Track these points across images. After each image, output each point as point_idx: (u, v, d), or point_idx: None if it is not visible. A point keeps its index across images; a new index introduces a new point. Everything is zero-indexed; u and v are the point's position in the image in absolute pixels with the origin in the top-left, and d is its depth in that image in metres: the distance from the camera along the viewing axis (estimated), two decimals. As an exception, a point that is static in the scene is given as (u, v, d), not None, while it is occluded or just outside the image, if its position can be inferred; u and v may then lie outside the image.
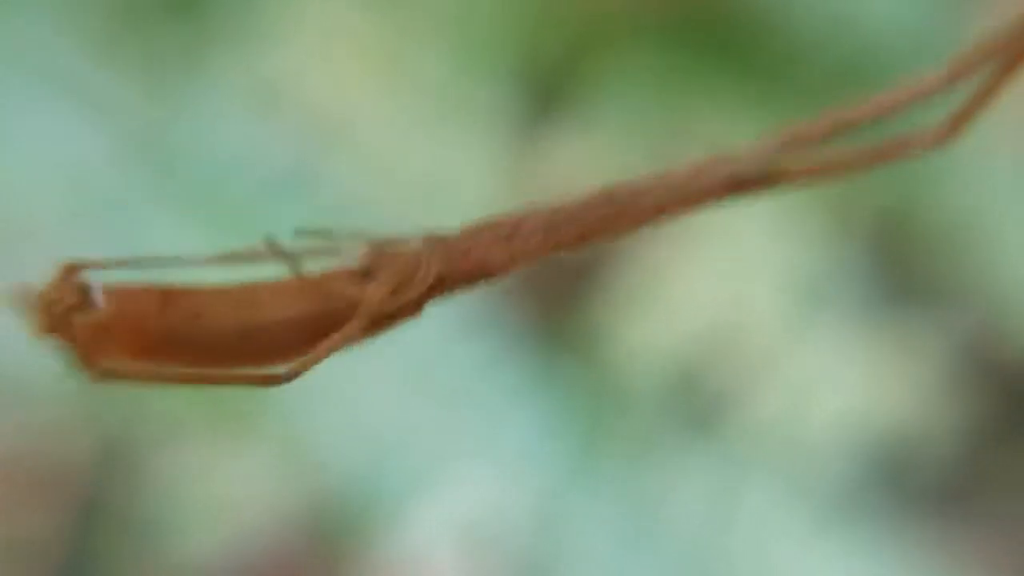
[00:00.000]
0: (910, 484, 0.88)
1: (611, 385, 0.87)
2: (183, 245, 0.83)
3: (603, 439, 0.87)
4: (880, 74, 0.88)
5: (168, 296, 0.27)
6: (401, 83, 0.87)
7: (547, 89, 0.89)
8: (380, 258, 0.28)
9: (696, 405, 0.88)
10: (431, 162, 0.87)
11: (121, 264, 0.27)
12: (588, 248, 0.29)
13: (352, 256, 0.28)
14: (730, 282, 0.89)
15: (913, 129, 0.29)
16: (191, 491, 0.85)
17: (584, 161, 0.88)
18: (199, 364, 0.27)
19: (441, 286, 0.28)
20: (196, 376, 0.27)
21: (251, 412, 0.84)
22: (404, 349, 0.82)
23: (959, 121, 0.30)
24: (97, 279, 0.27)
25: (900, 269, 0.91)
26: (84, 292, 0.26)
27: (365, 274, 0.28)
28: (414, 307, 0.28)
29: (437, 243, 0.28)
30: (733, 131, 0.88)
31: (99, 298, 0.26)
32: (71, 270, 0.26)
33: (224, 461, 0.85)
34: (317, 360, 0.27)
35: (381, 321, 0.28)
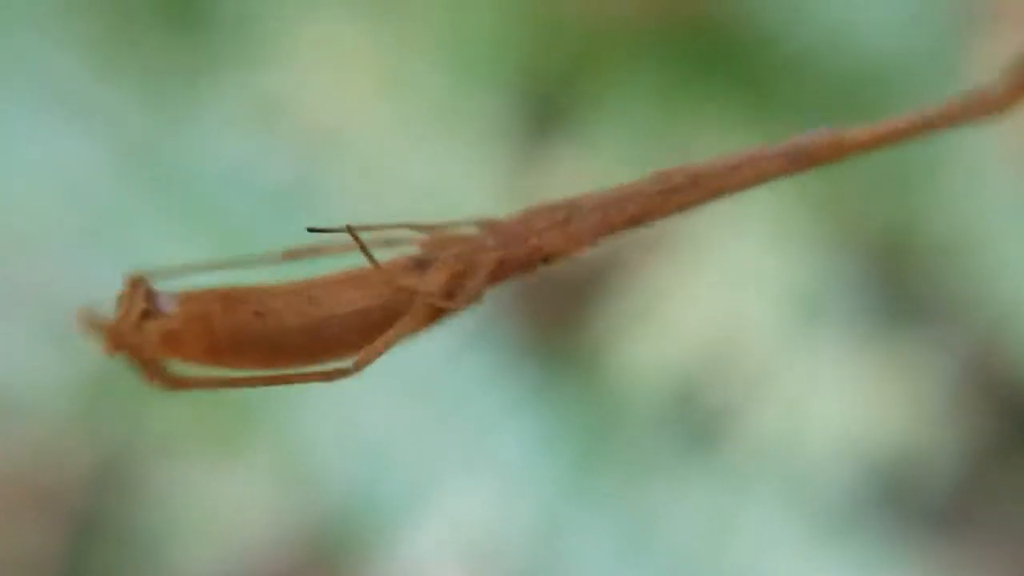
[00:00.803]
0: (908, 500, 0.88)
1: (609, 400, 0.87)
2: (182, 259, 0.83)
3: (601, 454, 0.87)
4: (878, 89, 0.88)
5: (231, 297, 0.27)
6: (400, 99, 0.87)
7: (546, 105, 0.89)
8: (437, 247, 0.28)
9: (694, 421, 0.88)
10: (430, 177, 0.87)
11: (183, 270, 0.28)
12: (638, 230, 0.29)
13: (409, 246, 0.28)
14: (728, 298, 0.89)
15: (974, 93, 0.29)
16: (188, 506, 0.84)
17: (583, 176, 0.88)
18: (265, 361, 0.27)
19: (499, 272, 0.28)
20: (264, 379, 0.28)
21: (248, 427, 0.84)
22: (403, 364, 0.82)
23: (1018, 86, 0.30)
24: (161, 286, 0.27)
25: (899, 285, 0.91)
26: (152, 300, 0.27)
27: (422, 263, 0.28)
28: (473, 293, 0.28)
29: (493, 229, 0.28)
30: (732, 146, 0.88)
31: (165, 305, 0.27)
32: (138, 281, 0.27)
33: (221, 476, 0.85)
34: (382, 350, 0.27)
35: (441, 309, 0.28)
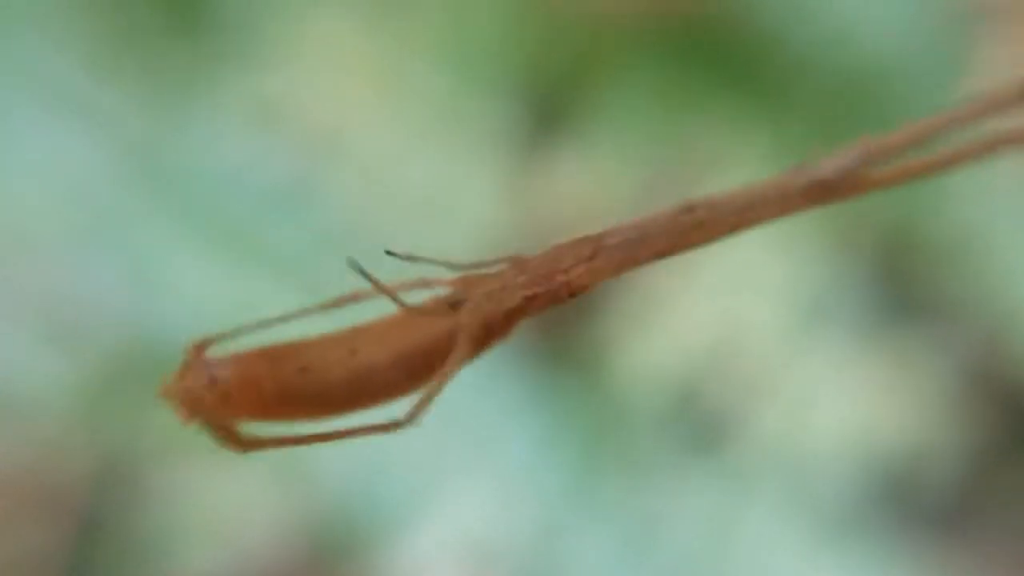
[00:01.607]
0: (912, 500, 0.88)
1: (611, 402, 0.87)
2: (183, 260, 0.83)
3: (603, 456, 0.87)
4: (879, 90, 0.88)
5: (276, 355, 0.28)
6: (401, 100, 0.87)
7: (548, 106, 0.89)
8: (468, 286, 0.28)
9: (696, 422, 0.88)
10: (432, 179, 0.87)
11: (236, 333, 0.29)
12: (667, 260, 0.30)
13: (440, 286, 0.29)
14: (731, 300, 0.89)
15: (997, 130, 0.29)
16: (190, 508, 0.84)
17: (585, 177, 0.88)
18: (314, 413, 0.28)
19: (529, 307, 0.29)
20: (326, 435, 0.29)
21: (250, 428, 0.84)
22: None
23: None
24: (215, 350, 0.28)
25: (902, 286, 0.90)
26: (210, 370, 0.28)
27: (455, 303, 0.29)
28: (505, 329, 0.29)
29: (522, 266, 0.29)
30: (734, 147, 0.88)
31: (218, 369, 0.28)
32: (198, 350, 0.28)
33: (223, 478, 0.85)
34: (432, 397, 0.28)
35: (478, 347, 0.29)
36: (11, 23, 0.84)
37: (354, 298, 0.29)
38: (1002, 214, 0.89)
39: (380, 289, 0.28)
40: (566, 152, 0.89)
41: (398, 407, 0.30)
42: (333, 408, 0.28)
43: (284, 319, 0.29)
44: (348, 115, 0.86)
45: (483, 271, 0.29)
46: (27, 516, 0.86)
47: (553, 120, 0.89)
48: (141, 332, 0.83)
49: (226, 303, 0.81)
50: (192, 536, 0.84)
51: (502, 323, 0.29)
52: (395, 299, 0.28)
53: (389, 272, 0.29)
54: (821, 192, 0.30)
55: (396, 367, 0.28)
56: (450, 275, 0.29)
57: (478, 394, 0.85)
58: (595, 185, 0.88)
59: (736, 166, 0.88)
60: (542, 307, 0.29)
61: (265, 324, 0.29)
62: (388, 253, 0.30)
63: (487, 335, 0.29)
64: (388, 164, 0.87)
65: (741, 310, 0.89)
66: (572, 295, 0.29)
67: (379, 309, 0.29)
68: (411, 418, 0.28)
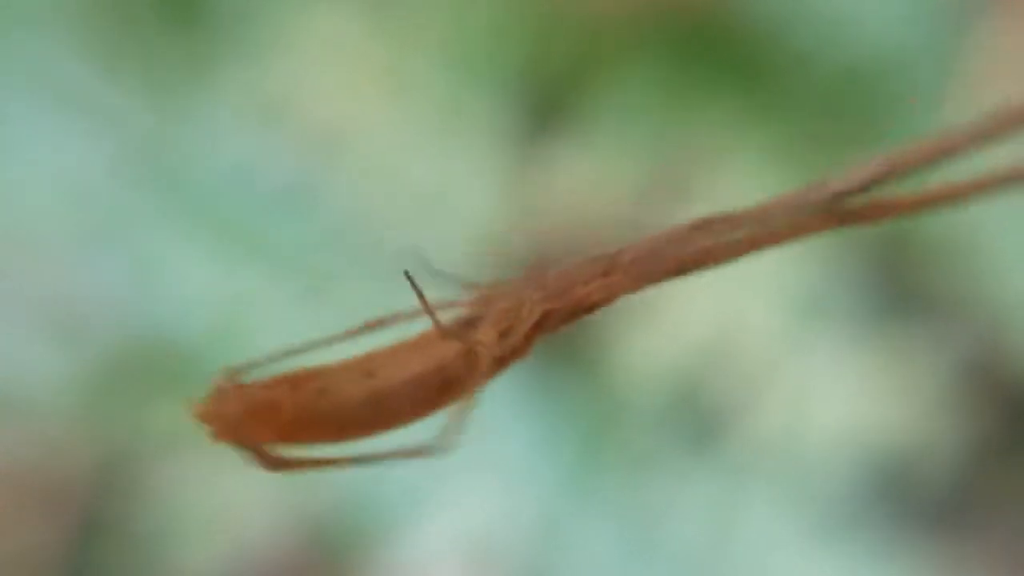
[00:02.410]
0: (909, 498, 0.88)
1: (611, 398, 0.87)
2: (185, 258, 0.83)
3: (603, 452, 0.87)
4: (877, 86, 0.88)
5: (296, 381, 0.28)
6: (402, 96, 0.87)
7: (548, 102, 0.90)
8: (485, 304, 0.29)
9: (695, 419, 0.88)
10: (433, 175, 0.87)
11: (268, 360, 0.29)
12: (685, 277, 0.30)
13: (456, 305, 0.29)
14: (729, 296, 0.89)
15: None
16: (191, 504, 0.84)
17: (585, 174, 0.88)
18: (332, 436, 0.28)
19: (546, 324, 0.29)
20: (356, 458, 0.29)
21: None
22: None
23: None
24: (246, 376, 0.28)
25: (899, 282, 0.91)
26: (236, 395, 0.28)
27: (471, 321, 0.29)
28: (523, 347, 0.29)
29: (538, 283, 0.29)
30: (732, 143, 0.88)
31: (245, 396, 0.28)
32: (230, 375, 0.28)
33: (223, 475, 0.85)
34: (461, 421, 0.28)
35: (495, 364, 0.29)
36: (11, 22, 0.84)
37: (381, 323, 0.29)
38: (999, 210, 0.90)
39: (424, 307, 0.28)
40: (566, 149, 0.89)
41: (421, 429, 0.30)
42: (352, 431, 0.28)
43: (314, 345, 0.29)
44: (349, 112, 0.86)
45: (499, 288, 0.29)
46: (28, 513, 0.86)
47: (553, 116, 0.89)
48: (142, 329, 0.83)
49: (227, 300, 0.81)
50: (193, 533, 0.84)
51: (520, 340, 0.29)
52: (434, 317, 0.28)
53: (407, 264, 0.29)
54: (842, 216, 0.30)
55: (413, 389, 0.28)
56: (466, 293, 0.29)
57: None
58: (595, 181, 0.88)
59: (735, 162, 0.89)
60: (560, 323, 0.29)
61: (296, 350, 0.29)
62: (406, 275, 0.29)
63: (506, 353, 0.29)
64: (389, 161, 0.86)
65: (739, 306, 0.89)
66: (589, 311, 0.29)
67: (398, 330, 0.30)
68: (442, 446, 0.29)
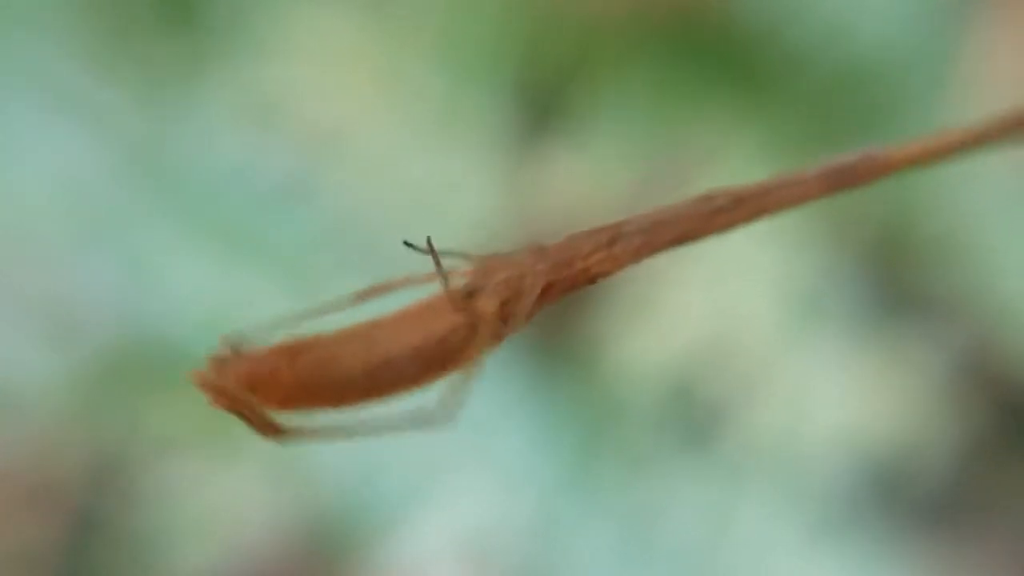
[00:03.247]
0: (905, 496, 0.88)
1: (607, 397, 0.87)
2: (180, 257, 0.83)
3: (599, 451, 0.87)
4: (873, 85, 0.88)
5: (296, 350, 0.28)
6: (398, 96, 0.87)
7: (544, 102, 0.89)
8: (485, 274, 0.28)
9: (692, 417, 0.88)
10: (428, 175, 0.87)
11: (268, 329, 0.29)
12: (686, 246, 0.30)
13: (459, 276, 0.29)
14: (726, 295, 0.89)
15: (1013, 110, 0.29)
16: (185, 505, 0.84)
17: (581, 173, 0.88)
18: (335, 403, 0.28)
19: (547, 294, 0.29)
20: (359, 428, 0.29)
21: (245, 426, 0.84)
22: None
23: None
24: (242, 346, 0.28)
25: (895, 282, 0.91)
26: (236, 363, 0.28)
27: (472, 292, 0.28)
28: (524, 317, 0.29)
29: (539, 254, 0.29)
30: (728, 142, 0.88)
31: (244, 365, 0.28)
32: (230, 345, 0.28)
33: (218, 475, 0.85)
34: (461, 390, 0.28)
35: (496, 334, 0.28)
36: (8, 23, 0.83)
37: (385, 289, 0.29)
38: (995, 209, 0.90)
39: (435, 272, 0.28)
40: (562, 148, 0.89)
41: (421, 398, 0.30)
42: (351, 399, 0.28)
43: (314, 314, 0.29)
44: (346, 112, 0.86)
45: (501, 259, 0.29)
46: (22, 512, 0.86)
47: (549, 116, 0.89)
48: (137, 329, 0.83)
49: (223, 300, 0.81)
50: (188, 532, 0.84)
51: (520, 311, 0.29)
52: (445, 280, 0.28)
53: (402, 264, 0.29)
54: (839, 177, 0.30)
55: (413, 359, 0.28)
56: (467, 265, 0.29)
57: (475, 390, 0.85)
58: (591, 181, 0.88)
59: (731, 161, 0.89)
60: (561, 294, 0.29)
61: (294, 319, 0.29)
62: (407, 244, 0.29)
63: (505, 323, 0.29)
64: (385, 161, 0.86)
65: (736, 305, 0.89)
66: (591, 281, 0.29)
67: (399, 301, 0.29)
68: (446, 413, 0.28)
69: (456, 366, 0.28)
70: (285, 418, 0.28)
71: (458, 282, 0.29)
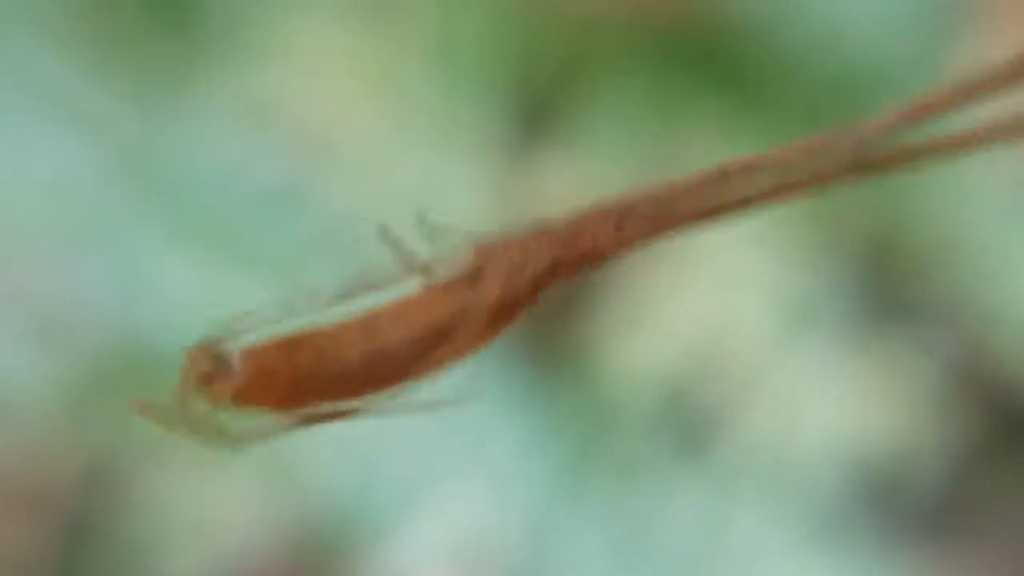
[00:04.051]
0: (899, 503, 0.88)
1: (600, 403, 0.87)
2: (172, 261, 0.82)
3: (592, 457, 0.87)
4: (869, 91, 0.88)
5: (292, 344, 0.27)
6: (391, 101, 0.87)
7: (538, 107, 0.89)
8: (487, 256, 0.28)
9: (685, 424, 0.88)
10: (421, 180, 0.87)
11: (255, 321, 0.28)
12: (700, 228, 0.28)
13: (461, 260, 0.28)
14: (719, 301, 0.89)
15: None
16: (178, 511, 0.84)
17: (575, 179, 0.88)
18: (330, 396, 0.27)
19: (553, 276, 0.28)
20: (362, 411, 0.28)
21: (237, 430, 0.84)
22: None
23: None
24: (228, 346, 0.27)
25: (888, 288, 0.91)
26: (219, 362, 0.27)
27: (474, 275, 0.28)
28: (528, 298, 0.28)
29: (544, 233, 0.28)
30: (724, 149, 0.88)
31: (231, 364, 0.27)
32: (204, 347, 0.27)
33: (211, 480, 0.84)
34: (440, 367, 0.27)
35: (499, 319, 0.28)
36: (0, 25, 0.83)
37: (373, 284, 0.28)
38: (988, 216, 0.90)
39: (405, 262, 0.28)
40: (556, 154, 0.89)
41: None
42: (351, 391, 0.28)
43: (301, 309, 0.28)
44: (339, 117, 0.86)
45: (504, 240, 0.28)
46: (12, 517, 0.85)
47: (543, 121, 0.89)
48: (129, 333, 0.82)
49: (215, 305, 0.81)
50: (180, 537, 0.84)
51: (524, 293, 0.28)
52: (420, 271, 0.27)
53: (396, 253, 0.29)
54: (864, 164, 0.28)
55: (414, 347, 0.27)
56: (468, 248, 0.28)
57: (469, 392, 0.85)
58: (586, 186, 0.88)
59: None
60: (567, 275, 0.28)
61: (281, 315, 0.28)
62: (384, 231, 0.29)
63: (509, 307, 0.28)
64: (378, 166, 0.86)
65: (729, 311, 0.89)
66: (599, 262, 0.28)
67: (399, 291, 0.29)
68: (450, 398, 0.28)
69: (459, 353, 0.27)
70: (242, 424, 0.27)
71: (458, 266, 0.28)
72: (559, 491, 0.85)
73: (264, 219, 0.84)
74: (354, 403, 0.28)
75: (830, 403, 0.88)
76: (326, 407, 0.28)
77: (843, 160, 0.28)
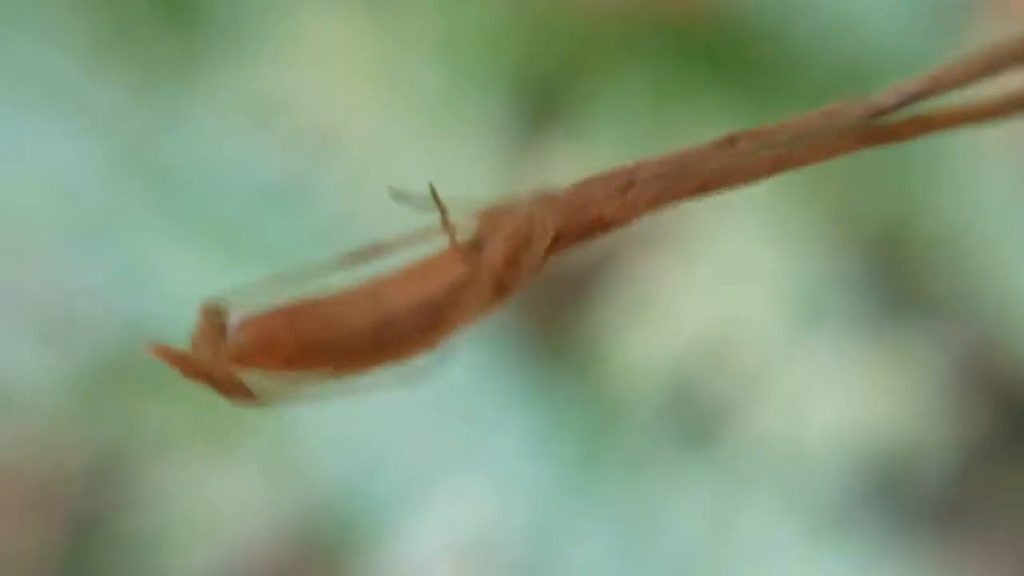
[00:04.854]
0: (907, 497, 0.88)
1: (607, 397, 0.87)
2: (176, 257, 0.83)
3: (599, 451, 0.86)
4: (873, 83, 0.88)
5: (295, 312, 0.27)
6: (395, 96, 0.87)
7: (542, 102, 0.89)
8: (492, 225, 0.27)
9: (692, 418, 0.88)
10: (426, 174, 0.87)
11: (257, 288, 0.27)
12: (702, 198, 0.27)
13: (466, 227, 0.27)
14: (726, 294, 0.89)
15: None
16: (183, 504, 0.84)
17: (579, 173, 0.88)
18: (337, 366, 0.27)
19: (558, 243, 0.27)
20: (346, 389, 0.28)
21: (243, 425, 0.84)
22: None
23: None
24: (231, 312, 0.27)
25: (897, 281, 0.90)
26: (220, 331, 0.27)
27: (479, 243, 0.27)
28: (533, 267, 0.27)
29: (549, 200, 0.27)
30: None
31: (232, 331, 0.27)
32: (210, 312, 0.27)
33: (216, 474, 0.85)
34: (447, 335, 0.27)
35: (504, 286, 0.27)
36: (1, 20, 0.84)
37: (378, 250, 0.28)
38: (996, 209, 0.89)
39: (438, 224, 0.27)
40: (561, 147, 0.89)
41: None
42: (358, 361, 0.27)
43: (307, 274, 0.28)
44: (341, 112, 0.86)
45: (509, 208, 0.28)
46: (20, 513, 0.86)
47: (547, 116, 0.89)
48: (133, 329, 0.82)
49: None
50: (186, 533, 0.84)
51: (532, 260, 0.27)
52: (426, 237, 0.27)
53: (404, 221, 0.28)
54: (879, 132, 0.27)
55: (420, 315, 0.27)
56: (472, 215, 0.27)
57: (473, 390, 0.85)
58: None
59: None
60: (572, 243, 0.28)
61: (286, 280, 0.28)
62: (397, 194, 0.28)
63: (514, 274, 0.27)
64: (381, 160, 0.86)
65: (737, 305, 0.89)
66: (605, 230, 0.28)
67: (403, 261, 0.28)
68: (434, 367, 0.27)
69: (464, 321, 0.27)
70: (260, 382, 0.27)
71: (464, 233, 0.27)
72: (565, 486, 0.85)
73: (267, 215, 0.84)
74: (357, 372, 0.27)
75: (837, 397, 0.88)
76: (333, 374, 0.27)
77: (853, 129, 0.27)
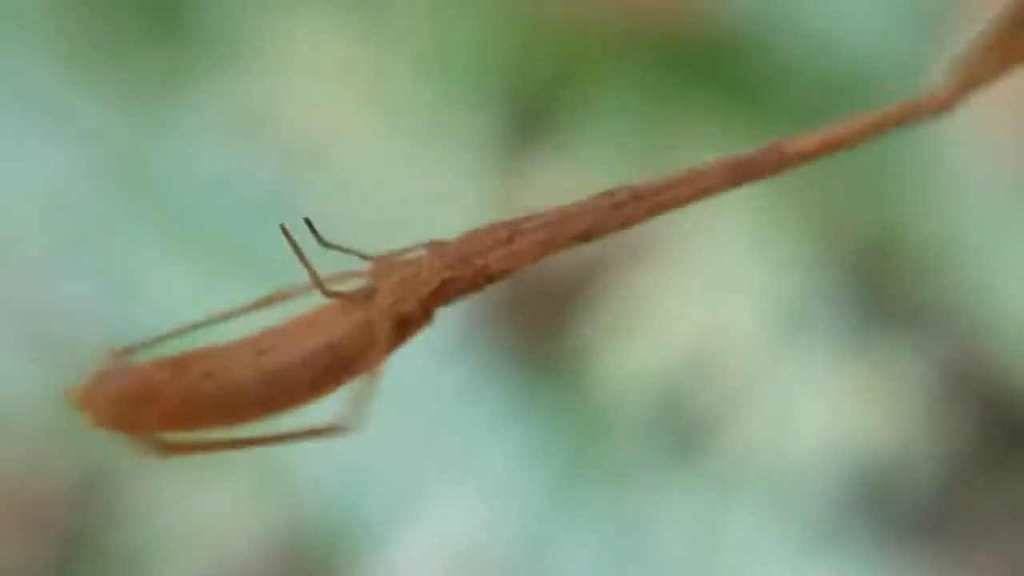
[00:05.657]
0: (893, 507, 0.88)
1: (595, 409, 0.87)
2: (165, 270, 0.82)
3: (587, 463, 0.86)
4: (861, 94, 0.88)
5: (178, 364, 0.27)
6: (384, 109, 0.87)
7: (531, 114, 0.89)
8: (383, 273, 0.28)
9: (680, 429, 0.88)
10: (413, 188, 0.87)
11: (156, 341, 0.27)
12: (588, 245, 0.29)
13: (356, 276, 0.28)
14: (712, 307, 0.89)
15: (918, 95, 0.29)
16: (171, 520, 0.84)
17: (567, 184, 0.88)
18: (228, 419, 0.27)
19: (445, 291, 0.28)
20: (255, 440, 0.27)
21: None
22: (386, 373, 0.81)
23: (963, 85, 0.30)
24: (128, 360, 0.27)
25: (882, 292, 0.91)
26: (113, 380, 0.26)
27: (369, 293, 0.28)
28: (423, 314, 0.28)
29: (438, 250, 0.28)
30: (715, 153, 0.88)
31: (120, 381, 0.26)
32: (114, 357, 0.26)
33: (204, 489, 0.84)
34: (366, 398, 0.27)
35: (395, 336, 0.28)
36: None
37: (280, 297, 0.28)
38: (980, 222, 0.90)
39: (305, 268, 0.27)
40: (548, 160, 0.89)
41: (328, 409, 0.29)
42: (246, 414, 0.27)
43: (212, 321, 0.28)
44: (330, 125, 0.86)
45: (399, 258, 0.28)
46: (7, 529, 0.85)
47: (535, 128, 0.89)
48: (120, 342, 0.82)
49: (207, 313, 0.81)
50: (173, 549, 0.84)
51: (419, 310, 0.28)
52: (320, 286, 0.27)
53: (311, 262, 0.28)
54: (742, 169, 0.29)
55: (308, 366, 0.27)
56: (366, 264, 0.28)
57: (461, 402, 0.85)
58: (577, 191, 0.88)
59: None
60: (460, 292, 0.28)
61: (193, 327, 0.28)
62: (307, 222, 0.29)
63: (405, 324, 0.28)
64: (371, 174, 0.86)
65: (723, 317, 0.89)
66: (490, 280, 0.29)
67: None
68: (351, 422, 0.27)
69: (356, 372, 0.27)
70: (174, 435, 0.27)
71: (355, 283, 0.28)
72: (553, 498, 0.85)
73: (255, 227, 0.84)
74: (245, 431, 0.27)
75: (825, 408, 0.88)
76: (212, 434, 0.27)
77: (724, 178, 0.29)
